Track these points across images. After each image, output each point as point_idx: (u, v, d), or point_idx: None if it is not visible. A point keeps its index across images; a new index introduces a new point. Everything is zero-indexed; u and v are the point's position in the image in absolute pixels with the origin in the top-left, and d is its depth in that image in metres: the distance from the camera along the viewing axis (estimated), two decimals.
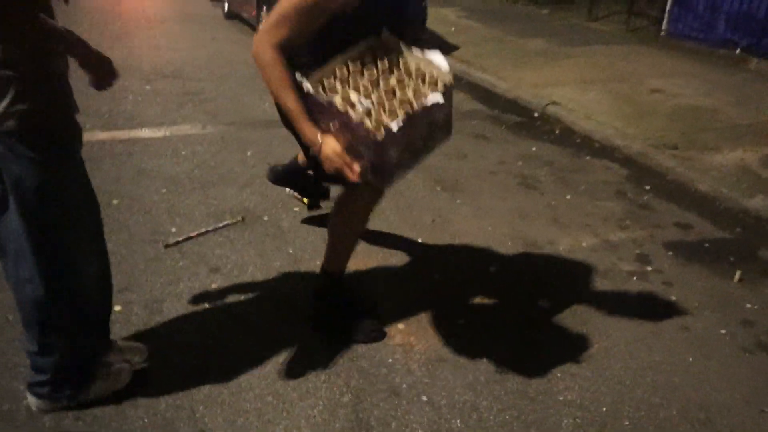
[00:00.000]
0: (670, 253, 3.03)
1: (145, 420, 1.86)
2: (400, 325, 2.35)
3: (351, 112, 1.65)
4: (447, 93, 1.71)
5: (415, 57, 1.79)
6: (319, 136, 1.71)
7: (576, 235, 3.12)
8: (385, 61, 1.77)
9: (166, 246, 2.85)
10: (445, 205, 3.37)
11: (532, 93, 5.29)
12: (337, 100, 1.67)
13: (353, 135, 1.62)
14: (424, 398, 2.04)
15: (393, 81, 1.72)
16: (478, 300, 2.52)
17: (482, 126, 4.72)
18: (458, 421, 1.96)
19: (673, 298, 2.67)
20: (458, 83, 5.68)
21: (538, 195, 3.57)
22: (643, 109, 4.90)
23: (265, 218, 3.17)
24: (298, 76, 1.68)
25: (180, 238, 2.91)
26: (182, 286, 2.55)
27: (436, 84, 1.73)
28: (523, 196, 3.53)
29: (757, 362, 2.30)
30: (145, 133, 4.17)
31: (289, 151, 2.95)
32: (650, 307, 2.59)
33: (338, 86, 1.71)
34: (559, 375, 2.14)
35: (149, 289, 2.50)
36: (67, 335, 1.68)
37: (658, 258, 2.97)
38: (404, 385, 2.05)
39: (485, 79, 5.78)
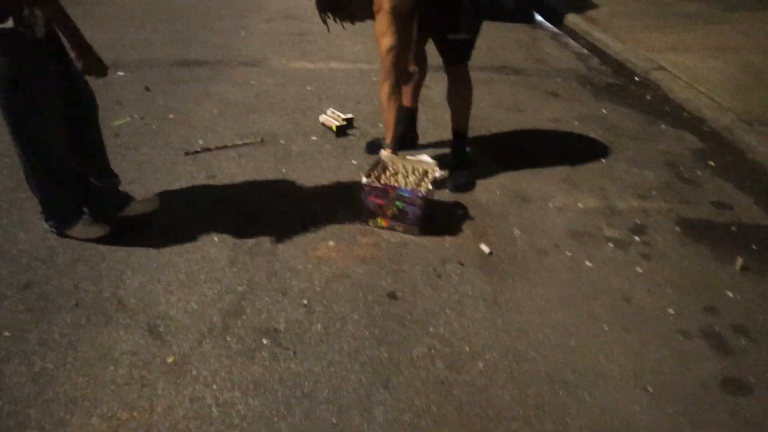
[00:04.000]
0: (678, 228, 2.78)
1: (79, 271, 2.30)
2: (331, 243, 2.56)
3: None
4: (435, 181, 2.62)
5: (409, 161, 2.70)
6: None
7: (578, 196, 3.01)
8: (390, 169, 2.69)
9: (186, 153, 3.23)
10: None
11: (644, 57, 4.92)
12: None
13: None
14: (304, 302, 2.21)
15: (400, 179, 2.61)
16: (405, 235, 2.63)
17: (563, 84, 4.55)
18: (320, 325, 2.11)
19: (639, 270, 2.49)
20: (575, 42, 5.54)
21: (568, 153, 3.44)
22: (764, 83, 4.31)
23: (282, 141, 3.43)
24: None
25: (199, 149, 3.28)
26: (178, 184, 2.94)
27: (427, 175, 2.66)
28: (548, 153, 3.43)
29: (681, 346, 2.13)
30: (232, 64, 4.58)
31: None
32: (602, 274, 2.47)
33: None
34: (448, 311, 2.20)
35: (153, 182, 2.92)
36: (45, 188, 2.26)
37: (657, 231, 2.77)
38: (295, 289, 2.24)
39: (602, 39, 5.46)
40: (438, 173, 2.68)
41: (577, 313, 2.24)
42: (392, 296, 2.23)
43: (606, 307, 2.28)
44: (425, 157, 2.76)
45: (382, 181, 2.60)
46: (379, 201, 2.54)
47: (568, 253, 2.56)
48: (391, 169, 2.72)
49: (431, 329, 2.08)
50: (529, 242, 2.60)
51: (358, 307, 2.15)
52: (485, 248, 2.56)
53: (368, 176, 2.58)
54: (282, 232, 2.57)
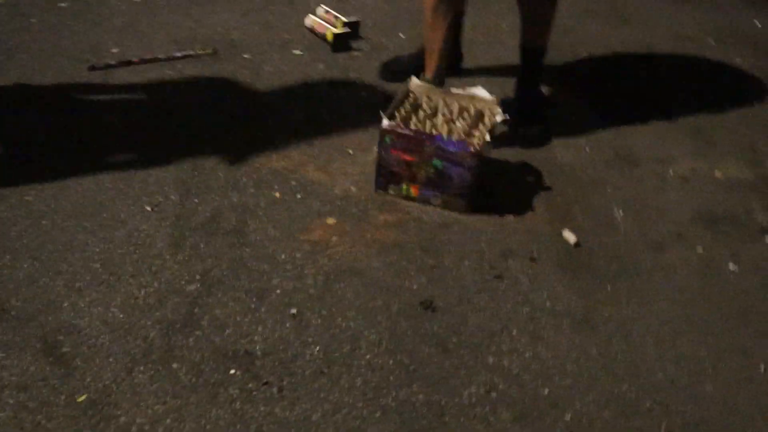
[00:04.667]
0: None
1: None
2: (330, 219, 2.53)
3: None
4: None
5: (456, 96, 2.72)
6: None
7: (714, 159, 3.02)
8: (426, 107, 2.71)
9: (91, 68, 3.14)
10: None
11: None
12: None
13: None
14: (292, 311, 2.17)
15: (439, 123, 2.62)
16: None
17: None
18: (317, 348, 2.05)
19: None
20: None
21: (700, 92, 3.45)
22: None
23: (246, 55, 3.37)
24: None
25: (113, 62, 3.19)
26: (80, 117, 2.87)
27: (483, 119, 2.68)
28: (667, 91, 3.42)
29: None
30: None
31: None
32: (754, 283, 2.44)
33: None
34: (515, 332, 2.20)
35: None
36: None
37: None
38: (277, 290, 2.23)
39: None
40: (500, 116, 2.62)
41: (716, 343, 2.16)
42: (428, 306, 2.20)
43: (762, 336, 2.20)
44: (480, 91, 2.72)
45: (412, 126, 2.55)
46: (406, 157, 2.51)
47: (700, 249, 2.52)
48: (426, 107, 2.68)
49: (490, 359, 2.04)
50: (638, 229, 2.57)
51: (376, 321, 2.11)
52: (570, 236, 2.50)
53: (391, 117, 2.54)
54: (253, 201, 2.51)
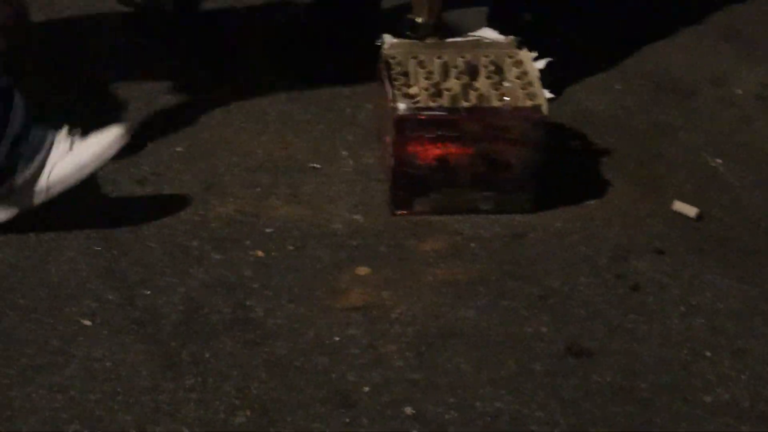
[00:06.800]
0: None
1: None
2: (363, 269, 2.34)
3: None
4: None
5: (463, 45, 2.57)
6: None
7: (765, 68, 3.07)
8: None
9: None
10: None
11: None
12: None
13: None
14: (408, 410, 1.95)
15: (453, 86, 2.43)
16: None
17: None
18: None
19: None
20: None
21: None
22: None
23: None
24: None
25: None
26: None
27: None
28: None
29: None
30: None
31: None
32: None
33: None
34: (710, 355, 2.10)
35: None
36: None
37: None
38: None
39: None
40: (542, 62, 2.51)
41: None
42: (579, 352, 2.08)
43: None
44: (488, 32, 2.63)
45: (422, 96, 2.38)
46: (439, 150, 2.36)
47: None
48: (420, 72, 2.49)
49: (707, 399, 1.96)
50: (754, 177, 2.60)
51: (525, 393, 1.97)
52: (685, 208, 2.44)
53: (406, 93, 2.38)
54: (232, 272, 2.29)
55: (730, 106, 2.89)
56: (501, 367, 2.02)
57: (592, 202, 2.49)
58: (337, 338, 2.09)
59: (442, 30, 2.62)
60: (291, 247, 2.34)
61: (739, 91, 2.94)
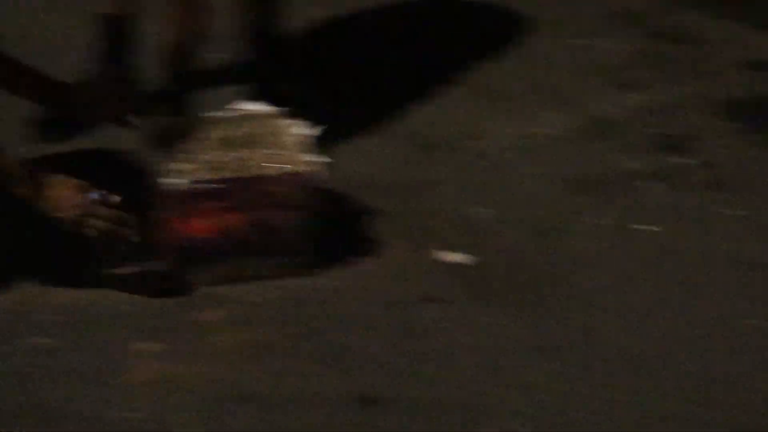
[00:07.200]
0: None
1: None
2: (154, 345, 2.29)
3: None
4: None
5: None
6: None
7: (520, 119, 3.28)
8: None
9: None
10: None
11: None
12: None
13: None
14: None
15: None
16: None
17: None
18: None
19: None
20: None
21: None
22: None
23: None
24: None
25: None
26: None
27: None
28: None
29: None
30: None
31: None
32: None
33: None
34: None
35: None
36: None
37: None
38: None
39: None
40: (311, 129, 2.56)
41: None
42: (369, 401, 2.13)
43: None
44: (254, 106, 2.68)
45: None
46: (220, 221, 2.40)
47: (594, 217, 2.77)
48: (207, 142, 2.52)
49: None
50: (515, 220, 2.75)
51: None
52: (459, 258, 2.54)
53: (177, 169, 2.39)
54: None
55: (488, 158, 3.01)
56: (296, 425, 2.06)
57: (368, 261, 2.54)
58: (128, 414, 2.07)
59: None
60: (75, 331, 2.31)
61: (495, 144, 3.08)
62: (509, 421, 2.06)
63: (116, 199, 2.32)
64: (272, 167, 2.47)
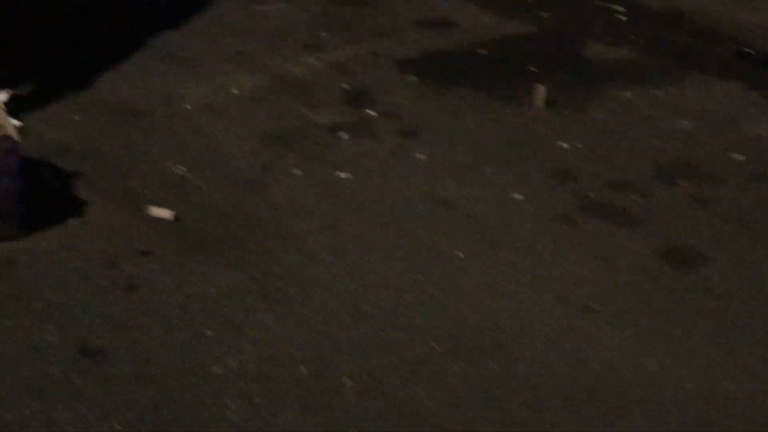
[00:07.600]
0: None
1: None
2: None
3: None
4: None
5: None
6: None
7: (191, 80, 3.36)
8: None
9: None
10: None
11: None
12: None
13: None
14: None
15: None
16: None
17: None
18: None
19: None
20: None
21: None
22: None
23: None
24: None
25: None
26: None
27: None
28: None
29: None
30: None
31: None
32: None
33: None
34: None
35: None
36: None
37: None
38: None
39: None
40: (3, 94, 2.60)
41: None
42: (89, 352, 2.21)
43: None
44: None
45: None
46: None
47: (298, 171, 2.92)
48: None
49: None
50: (214, 175, 2.91)
51: (44, 394, 2.08)
52: (161, 212, 2.62)
53: None
54: None
55: (182, 120, 3.10)
56: (18, 378, 2.08)
57: (75, 221, 2.57)
58: None
59: None
60: None
61: (188, 106, 3.18)
62: (228, 359, 2.19)
63: None
64: None
